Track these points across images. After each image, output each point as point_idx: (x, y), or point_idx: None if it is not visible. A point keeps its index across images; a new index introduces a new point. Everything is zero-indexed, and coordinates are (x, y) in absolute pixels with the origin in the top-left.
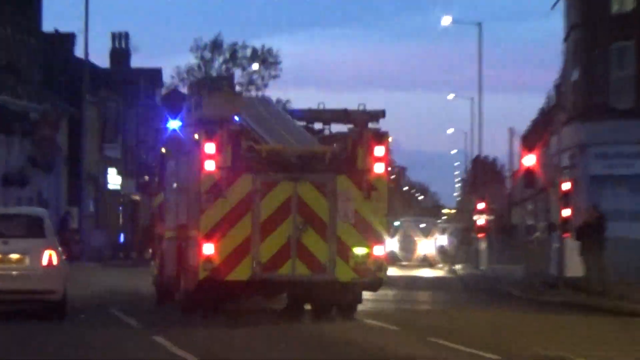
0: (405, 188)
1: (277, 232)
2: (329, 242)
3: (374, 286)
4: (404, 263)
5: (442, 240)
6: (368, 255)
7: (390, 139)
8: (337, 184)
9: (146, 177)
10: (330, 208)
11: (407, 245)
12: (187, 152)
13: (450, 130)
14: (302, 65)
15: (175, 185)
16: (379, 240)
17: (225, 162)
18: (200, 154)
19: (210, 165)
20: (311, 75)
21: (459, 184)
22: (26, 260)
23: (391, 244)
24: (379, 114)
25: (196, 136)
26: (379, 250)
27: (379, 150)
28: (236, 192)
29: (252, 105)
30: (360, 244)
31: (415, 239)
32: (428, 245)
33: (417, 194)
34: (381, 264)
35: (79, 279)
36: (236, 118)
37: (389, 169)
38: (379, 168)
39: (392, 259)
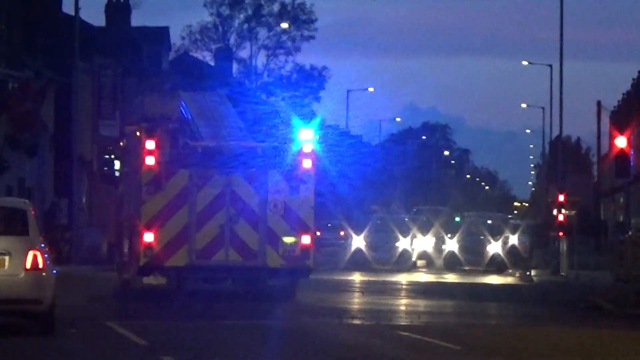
0: (468, 176)
1: (211, 222)
2: (260, 231)
3: (303, 273)
4: (467, 268)
5: (514, 240)
6: (296, 243)
7: (316, 137)
8: (267, 178)
9: (106, 168)
10: (261, 200)
11: (471, 246)
12: (131, 147)
13: (524, 105)
14: (343, 25)
15: (125, 178)
16: (307, 230)
17: (164, 158)
18: (141, 149)
19: (150, 161)
20: (354, 37)
21: (534, 171)
22: (5, 262)
23: (451, 245)
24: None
25: (137, 133)
26: (306, 239)
27: (307, 147)
28: (174, 186)
29: (194, 102)
30: (288, 233)
31: (481, 238)
32: (496, 246)
33: (483, 183)
34: (308, 252)
35: (69, 286)
36: (181, 113)
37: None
38: (306, 163)
39: (452, 263)
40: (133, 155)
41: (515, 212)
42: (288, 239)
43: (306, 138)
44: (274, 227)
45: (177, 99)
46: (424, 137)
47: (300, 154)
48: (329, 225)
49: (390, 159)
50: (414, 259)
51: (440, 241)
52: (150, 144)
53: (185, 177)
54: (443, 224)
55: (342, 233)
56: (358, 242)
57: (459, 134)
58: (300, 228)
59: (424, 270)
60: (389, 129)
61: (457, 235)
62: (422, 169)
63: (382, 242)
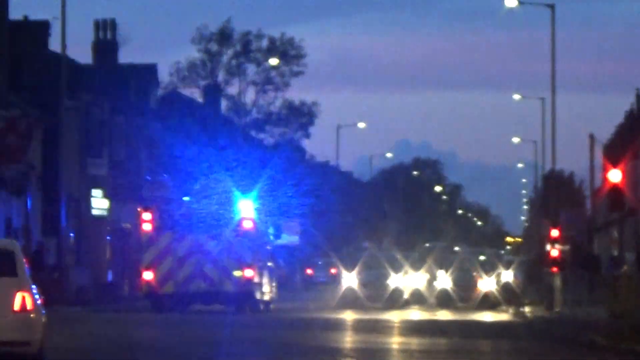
0: (460, 211)
1: (188, 264)
2: (219, 268)
3: (247, 295)
4: (460, 304)
5: (507, 275)
6: (241, 276)
7: (254, 206)
8: (222, 234)
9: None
10: (219, 248)
11: (463, 282)
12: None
13: (516, 139)
14: (333, 60)
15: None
16: (249, 266)
17: (156, 224)
18: (140, 219)
19: (146, 227)
20: (344, 72)
21: (527, 206)
22: None
23: (443, 281)
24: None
25: (138, 209)
26: (248, 273)
27: (247, 213)
28: (163, 241)
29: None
30: (237, 269)
31: (474, 274)
32: (489, 282)
33: (475, 219)
34: (250, 281)
35: (58, 328)
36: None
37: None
38: (247, 224)
39: (444, 300)
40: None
41: (508, 247)
42: (237, 273)
43: (246, 207)
44: (227, 266)
45: (167, 186)
46: (415, 173)
47: (243, 217)
48: (320, 263)
49: (382, 195)
50: (405, 296)
51: (432, 278)
52: (146, 216)
53: (170, 236)
54: (436, 260)
55: (333, 270)
56: (349, 279)
57: (451, 169)
58: (244, 265)
59: (416, 307)
60: (381, 164)
61: (450, 271)
62: (414, 204)
63: (373, 280)
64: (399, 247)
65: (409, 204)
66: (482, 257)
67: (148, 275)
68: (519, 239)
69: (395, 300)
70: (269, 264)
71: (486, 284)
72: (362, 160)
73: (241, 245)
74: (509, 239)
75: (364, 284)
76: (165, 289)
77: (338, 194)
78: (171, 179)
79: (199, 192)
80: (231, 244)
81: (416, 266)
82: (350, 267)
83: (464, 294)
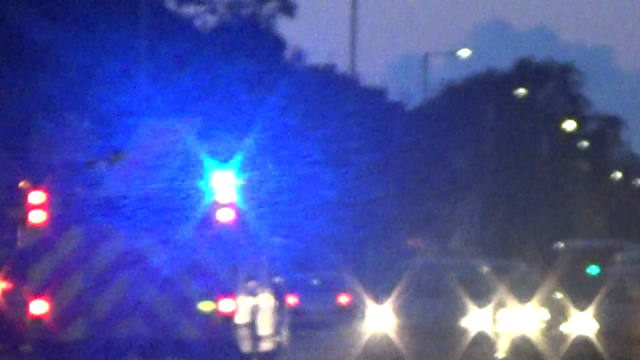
0: (619, 174)
1: (112, 287)
2: (171, 296)
3: (223, 348)
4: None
5: None
6: (214, 311)
7: (237, 182)
8: (179, 233)
9: None
10: (171, 260)
11: (623, 324)
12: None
13: None
14: None
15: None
16: (227, 293)
17: (54, 212)
18: (25, 203)
19: (36, 217)
20: None
21: None
22: None
23: (581, 323)
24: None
25: (21, 184)
26: (226, 306)
27: (225, 196)
28: (66, 245)
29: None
30: (205, 298)
31: None
32: None
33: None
34: (229, 321)
35: None
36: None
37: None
38: (224, 216)
39: None
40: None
41: None
42: (205, 306)
43: (223, 185)
44: (187, 292)
45: (78, 141)
46: (521, 91)
47: (216, 204)
48: (315, 282)
49: (448, 139)
50: (500, 353)
51: (558, 316)
52: (36, 197)
53: (81, 234)
54: (567, 278)
55: (343, 300)
56: (380, 317)
57: (599, 85)
58: (219, 292)
59: None
60: (445, 74)
61: (595, 302)
62: (521, 159)
63: (429, 320)
64: (489, 250)
65: (509, 159)
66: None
67: (38, 308)
68: None
69: None
70: (266, 286)
71: None
72: (404, 66)
73: (214, 253)
74: None
75: (409, 327)
76: (69, 334)
77: (355, 137)
78: (88, 125)
79: (137, 153)
80: (195, 252)
81: (524, 293)
82: (380, 292)
83: (626, 351)
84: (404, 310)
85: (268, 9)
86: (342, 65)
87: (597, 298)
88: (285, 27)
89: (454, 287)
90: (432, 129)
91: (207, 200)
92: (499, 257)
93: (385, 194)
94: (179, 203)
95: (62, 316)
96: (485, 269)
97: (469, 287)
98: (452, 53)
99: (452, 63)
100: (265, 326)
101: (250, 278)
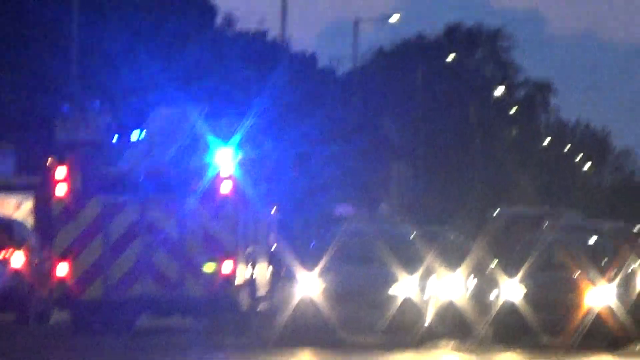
0: (548, 140)
1: (127, 252)
2: (179, 260)
3: (224, 305)
4: (544, 339)
5: None
6: (217, 272)
7: (236, 158)
8: (184, 203)
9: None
10: (179, 227)
11: (551, 292)
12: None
13: None
14: None
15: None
16: (228, 256)
17: (75, 186)
18: (51, 178)
19: (60, 190)
20: None
21: None
22: None
23: (509, 289)
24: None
25: (49, 161)
26: (226, 268)
27: (225, 170)
28: (86, 215)
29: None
30: (209, 261)
31: (574, 275)
32: (607, 291)
33: (583, 157)
34: (228, 281)
35: None
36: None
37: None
38: (225, 188)
39: (511, 328)
40: (46, 182)
41: None
42: (208, 267)
43: (224, 160)
44: (193, 256)
45: (95, 121)
46: (451, 56)
47: (218, 177)
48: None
49: (379, 105)
50: (428, 319)
51: (488, 283)
52: (60, 172)
53: (98, 206)
54: (498, 244)
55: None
56: (308, 284)
57: (532, 49)
58: (221, 255)
59: (448, 343)
60: (375, 39)
61: (523, 269)
62: (452, 124)
63: (358, 286)
64: (420, 217)
65: (440, 125)
66: (592, 240)
67: (62, 270)
68: None
69: (405, 329)
70: (264, 252)
71: (600, 296)
72: (335, 32)
73: (216, 221)
74: None
75: (337, 294)
76: (89, 294)
77: (284, 101)
78: (103, 107)
79: (149, 131)
80: (199, 220)
81: (453, 260)
82: (309, 259)
83: (552, 317)
84: (332, 277)
85: None
86: (274, 31)
87: (525, 265)
88: None
89: (383, 253)
90: (363, 95)
91: (211, 172)
92: (430, 224)
93: (314, 160)
94: (185, 177)
95: (83, 278)
96: (414, 235)
97: (398, 254)
98: (383, 18)
99: (383, 29)
100: (262, 289)
101: (249, 244)
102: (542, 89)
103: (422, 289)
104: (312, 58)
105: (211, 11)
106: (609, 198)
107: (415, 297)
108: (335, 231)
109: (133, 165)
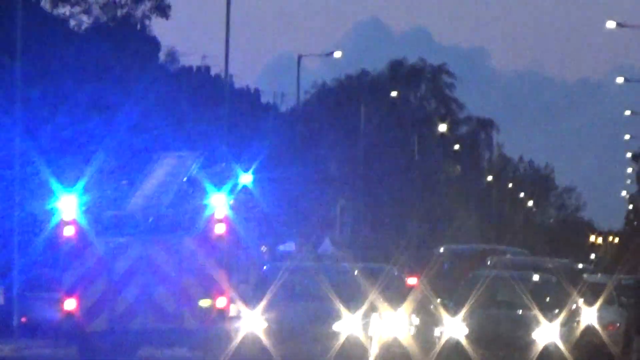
0: (490, 177)
1: (129, 288)
2: (177, 295)
3: (218, 335)
4: None
5: (590, 316)
6: (212, 306)
7: (229, 202)
8: (182, 243)
9: None
10: (177, 265)
11: (497, 331)
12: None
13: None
14: None
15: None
16: (222, 293)
17: (82, 227)
18: (60, 220)
19: (69, 231)
20: None
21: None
22: None
23: (454, 327)
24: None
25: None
26: (221, 302)
27: (219, 213)
28: (93, 254)
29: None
30: (204, 296)
31: (520, 312)
32: (552, 329)
33: (525, 195)
34: (223, 315)
35: None
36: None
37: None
38: (219, 229)
39: None
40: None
41: (594, 256)
42: (204, 302)
43: (219, 204)
44: (190, 291)
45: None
46: (393, 94)
47: (212, 219)
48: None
49: (325, 141)
50: (372, 356)
51: (433, 320)
52: (68, 215)
53: (103, 246)
54: (444, 281)
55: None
56: (252, 320)
57: (476, 85)
58: (215, 291)
59: None
60: (318, 73)
61: (466, 307)
62: (397, 160)
63: (300, 323)
64: (361, 254)
65: (382, 161)
66: (535, 278)
67: (70, 305)
68: (613, 238)
69: None
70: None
71: (544, 334)
72: (279, 68)
73: (211, 260)
74: (595, 238)
75: (280, 331)
76: (95, 326)
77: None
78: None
79: (147, 178)
80: (196, 259)
81: (396, 297)
82: (253, 296)
83: (495, 354)
84: (275, 313)
85: (142, 10)
86: (217, 67)
87: (469, 302)
88: (160, 28)
89: (326, 290)
90: (306, 130)
91: (207, 213)
92: (374, 260)
93: (256, 196)
94: (183, 219)
95: (89, 312)
96: (356, 273)
97: (341, 291)
98: (326, 54)
99: (327, 64)
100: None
101: (242, 280)
102: (485, 126)
103: (366, 326)
104: (256, 93)
105: (155, 47)
106: (553, 235)
107: (359, 333)
108: (279, 267)
109: (134, 208)
